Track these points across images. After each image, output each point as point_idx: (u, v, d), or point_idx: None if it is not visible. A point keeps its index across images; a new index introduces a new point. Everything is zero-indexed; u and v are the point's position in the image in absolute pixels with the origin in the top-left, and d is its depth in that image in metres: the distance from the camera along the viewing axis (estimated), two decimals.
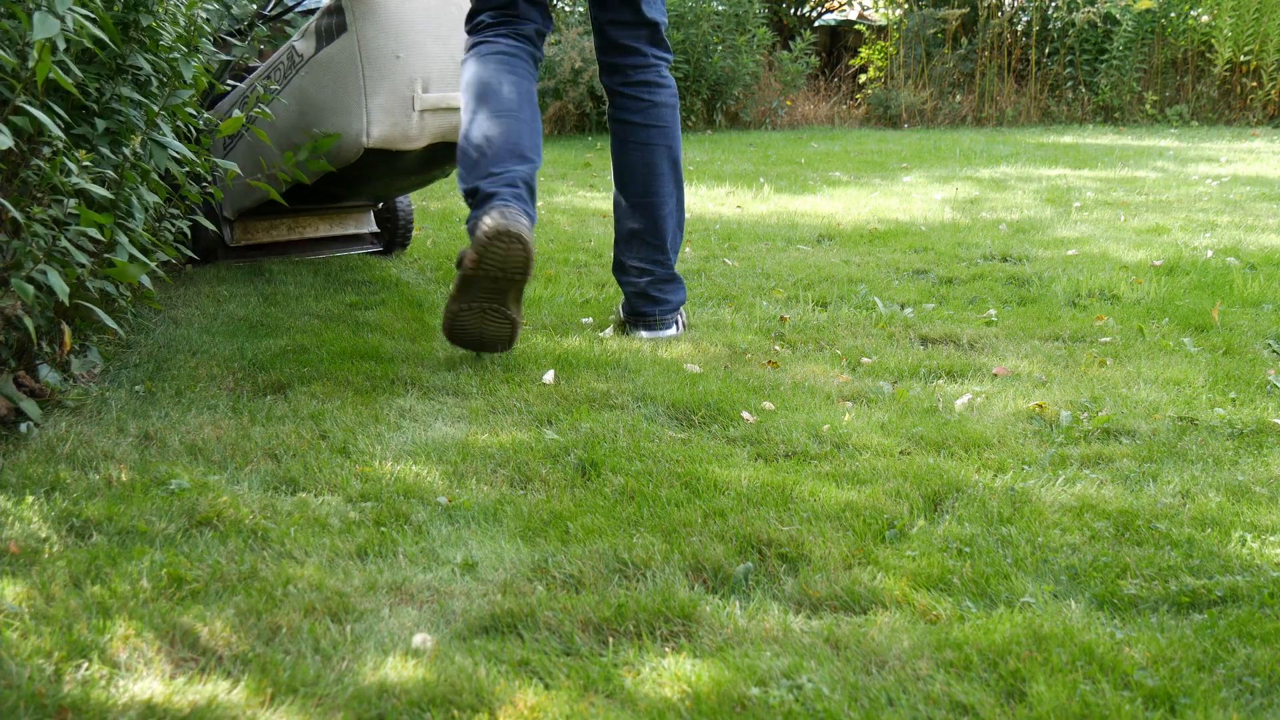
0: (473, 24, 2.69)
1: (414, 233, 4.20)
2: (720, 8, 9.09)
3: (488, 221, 2.36)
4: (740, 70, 9.08)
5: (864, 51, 10.59)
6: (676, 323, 2.84)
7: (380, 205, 3.72)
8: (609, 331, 2.80)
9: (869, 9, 11.12)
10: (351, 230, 3.66)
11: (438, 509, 1.76)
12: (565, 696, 1.27)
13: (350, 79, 2.94)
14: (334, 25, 2.96)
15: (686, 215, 4.45)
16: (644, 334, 2.79)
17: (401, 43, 2.94)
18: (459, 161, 2.57)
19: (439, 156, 3.19)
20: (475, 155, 2.53)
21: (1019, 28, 10.02)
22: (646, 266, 2.80)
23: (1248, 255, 3.65)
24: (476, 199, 2.47)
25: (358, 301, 3.08)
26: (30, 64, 1.80)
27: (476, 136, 2.54)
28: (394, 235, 3.71)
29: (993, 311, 3.00)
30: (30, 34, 1.71)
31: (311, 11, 3.59)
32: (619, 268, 2.85)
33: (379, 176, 3.19)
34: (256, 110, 2.75)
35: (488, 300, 2.42)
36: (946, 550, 1.62)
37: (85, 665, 1.30)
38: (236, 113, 2.76)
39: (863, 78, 10.46)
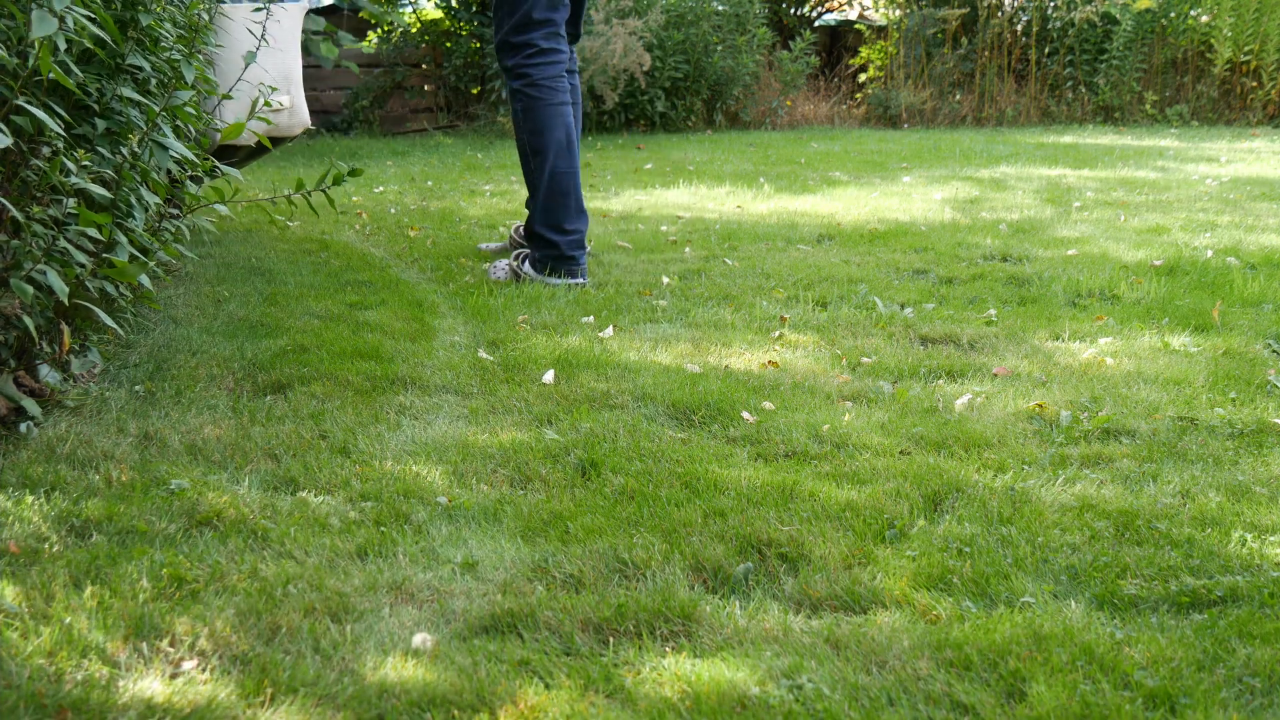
0: (525, 40, 3.28)
1: (413, 233, 4.20)
2: (720, 8, 9.09)
3: (575, 287, 3.30)
4: (740, 70, 9.08)
5: (864, 51, 10.59)
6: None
7: None
8: (609, 331, 2.81)
9: (869, 9, 11.12)
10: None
11: (438, 509, 1.76)
12: (565, 696, 1.27)
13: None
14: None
15: (687, 214, 4.57)
16: (560, 282, 3.41)
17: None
18: (548, 199, 3.32)
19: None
20: (561, 202, 3.32)
21: (1019, 28, 10.02)
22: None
23: (1248, 255, 3.65)
24: (557, 249, 3.32)
25: (358, 301, 3.08)
26: (31, 63, 1.80)
27: (564, 185, 3.34)
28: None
29: (993, 311, 3.00)
30: (29, 33, 1.71)
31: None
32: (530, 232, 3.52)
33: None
34: (259, 115, 2.75)
35: None
36: (946, 550, 1.62)
37: (85, 665, 1.30)
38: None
39: (863, 78, 10.47)
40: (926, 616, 1.45)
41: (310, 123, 3.82)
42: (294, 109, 3.67)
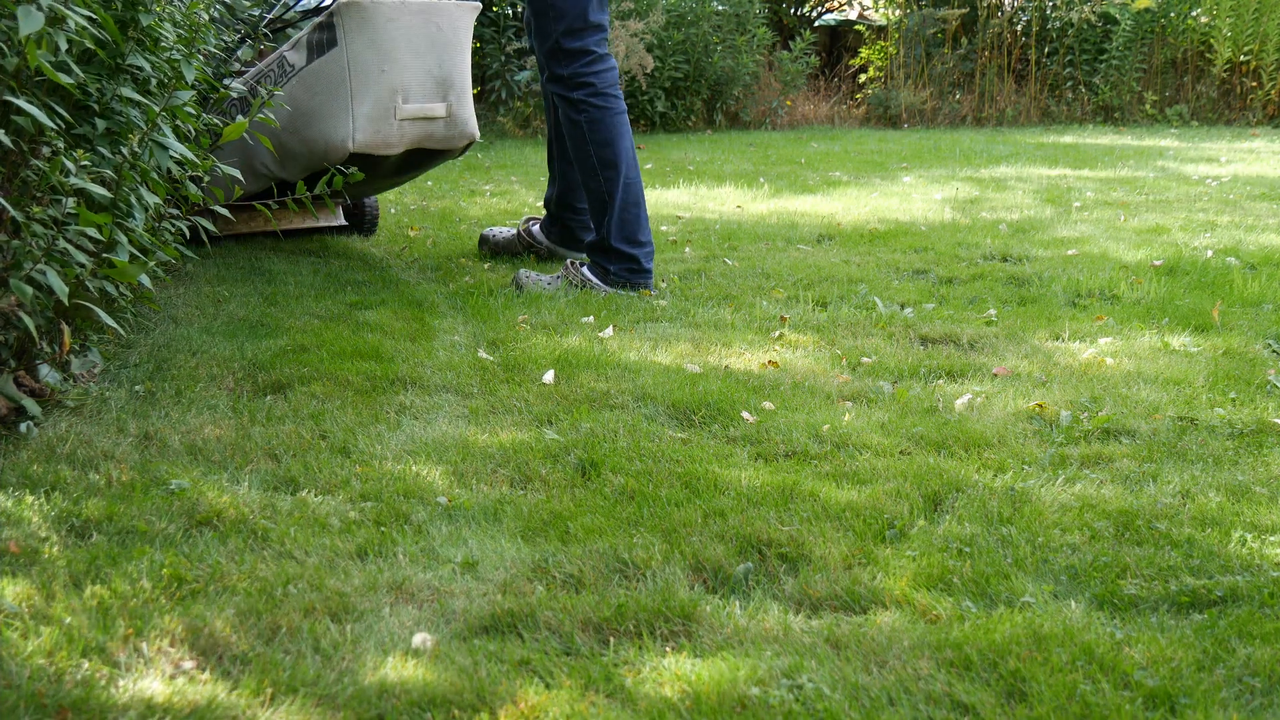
0: (581, 46, 3.19)
1: (413, 233, 4.20)
2: (720, 8, 9.09)
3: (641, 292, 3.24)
4: (740, 70, 9.08)
5: (864, 51, 10.59)
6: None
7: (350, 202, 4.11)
8: (609, 331, 2.81)
9: (869, 9, 11.12)
10: (323, 223, 4.05)
11: (438, 509, 1.76)
12: (565, 696, 1.27)
13: (340, 89, 3.24)
14: (325, 40, 3.25)
15: (687, 214, 4.56)
16: (576, 255, 3.53)
17: (386, 58, 3.24)
18: (623, 211, 3.23)
19: (413, 162, 3.49)
20: (635, 214, 3.25)
21: (1019, 28, 10.02)
22: (585, 206, 3.43)
23: (1248, 255, 3.65)
24: (636, 262, 3.25)
25: (358, 301, 3.08)
26: (31, 64, 1.80)
27: (637, 196, 3.27)
28: (361, 225, 4.12)
29: (993, 311, 3.00)
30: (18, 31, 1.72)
31: (312, 12, 3.83)
32: (567, 208, 3.56)
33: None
34: (260, 116, 2.75)
35: None
36: (946, 550, 1.62)
37: (85, 665, 1.30)
38: (240, 118, 2.78)
39: (863, 78, 10.47)
40: (926, 616, 1.45)
41: (478, 135, 3.49)
42: (452, 119, 3.37)
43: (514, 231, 3.78)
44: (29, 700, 1.22)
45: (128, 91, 2.23)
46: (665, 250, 3.91)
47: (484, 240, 3.81)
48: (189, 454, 1.95)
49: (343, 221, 4.10)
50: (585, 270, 3.28)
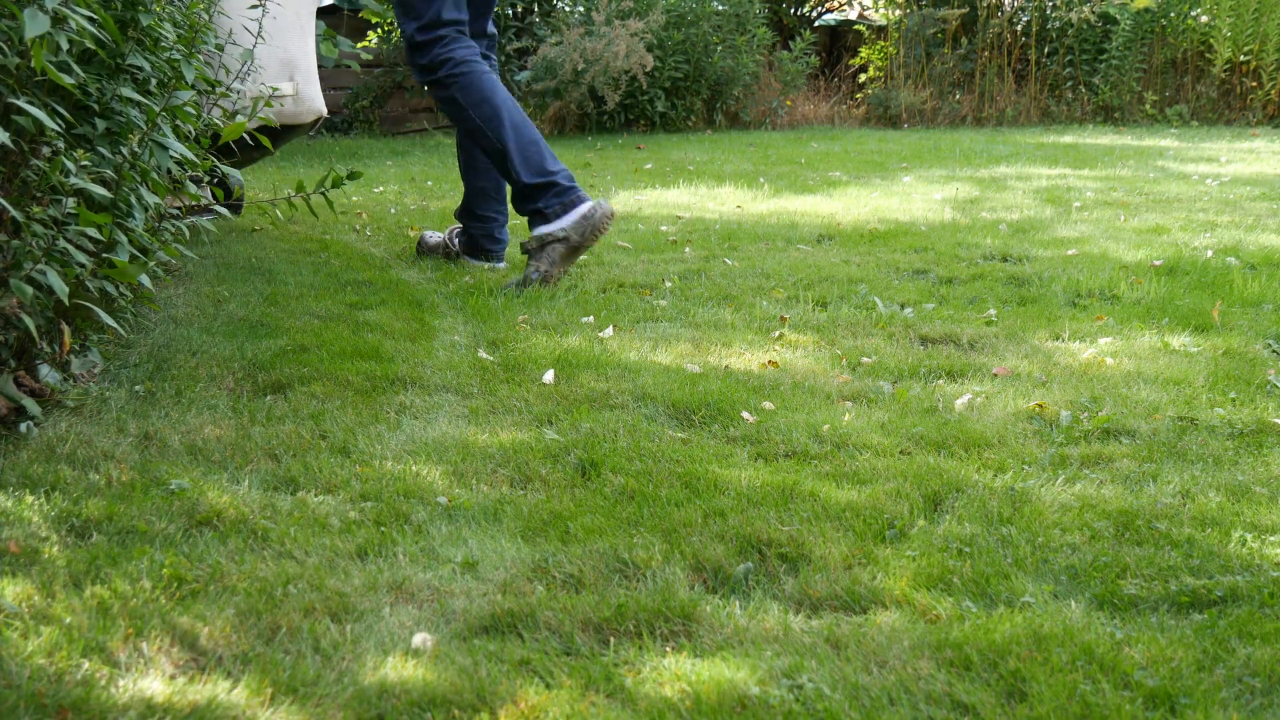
0: (434, 37, 3.26)
1: (413, 233, 4.20)
2: (720, 8, 9.09)
3: (598, 208, 3.22)
4: (740, 70, 9.08)
5: (864, 51, 10.59)
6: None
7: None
8: (609, 331, 2.81)
9: (869, 9, 11.12)
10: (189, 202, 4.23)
11: (438, 509, 1.76)
12: (566, 696, 1.27)
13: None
14: None
15: (687, 214, 4.58)
16: (482, 264, 3.62)
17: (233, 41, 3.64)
18: (521, 151, 3.22)
19: (269, 136, 3.80)
20: (535, 149, 3.23)
21: (1019, 28, 10.02)
22: (493, 215, 3.61)
23: (1248, 255, 3.65)
24: (553, 190, 3.22)
25: (358, 301, 3.08)
26: (33, 64, 1.81)
27: (529, 136, 3.25)
28: (228, 201, 4.35)
29: (993, 311, 3.00)
30: (25, 33, 1.71)
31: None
32: (468, 215, 3.63)
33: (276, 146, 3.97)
34: (260, 116, 2.76)
35: (572, 261, 3.29)
36: (946, 550, 1.62)
37: (85, 665, 1.30)
38: (240, 118, 2.80)
39: (863, 78, 10.47)
40: (927, 616, 1.45)
41: (325, 110, 3.81)
42: (300, 96, 3.69)
43: (443, 237, 3.84)
44: (29, 700, 1.22)
45: (128, 91, 2.23)
46: (665, 250, 3.91)
47: (420, 243, 3.83)
48: (189, 454, 1.95)
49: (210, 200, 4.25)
50: (531, 241, 3.35)
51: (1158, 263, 3.56)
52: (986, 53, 9.95)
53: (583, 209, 3.22)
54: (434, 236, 3.82)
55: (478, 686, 1.28)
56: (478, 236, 3.66)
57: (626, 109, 8.78)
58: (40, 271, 1.89)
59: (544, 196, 3.25)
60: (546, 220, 3.25)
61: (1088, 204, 4.87)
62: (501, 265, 3.65)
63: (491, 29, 3.61)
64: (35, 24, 1.70)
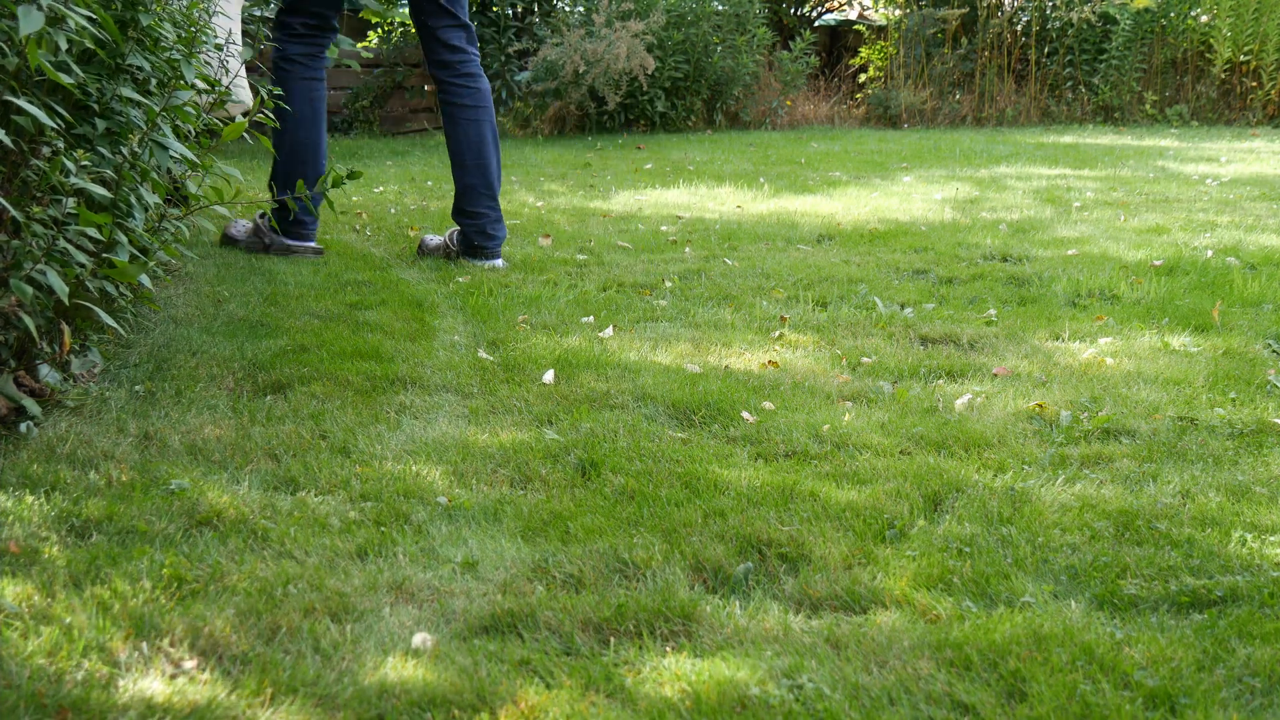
0: (286, 29, 3.56)
1: (413, 233, 4.20)
2: (720, 8, 9.09)
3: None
4: (740, 70, 9.07)
5: (864, 51, 10.59)
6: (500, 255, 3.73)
7: None
8: (609, 331, 2.81)
9: (869, 9, 11.12)
10: None
11: (438, 509, 1.76)
12: (566, 696, 1.27)
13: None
14: None
15: (687, 214, 4.57)
16: (481, 263, 3.64)
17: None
18: (288, 164, 3.57)
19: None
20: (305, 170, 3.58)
21: (1018, 28, 10.02)
22: (483, 211, 3.65)
23: (1248, 255, 3.65)
24: (287, 211, 3.62)
25: (358, 301, 3.08)
26: (32, 64, 1.81)
27: (311, 145, 3.63)
28: None
29: (993, 311, 3.00)
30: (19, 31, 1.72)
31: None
32: (460, 213, 3.69)
33: None
34: (260, 116, 2.75)
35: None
36: (946, 550, 1.62)
37: (85, 665, 1.30)
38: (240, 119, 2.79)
39: (863, 78, 10.47)
40: (927, 616, 1.45)
41: (250, 101, 3.86)
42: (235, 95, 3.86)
43: (443, 239, 3.87)
44: (29, 700, 1.22)
45: (128, 91, 2.23)
46: (665, 250, 3.91)
47: (421, 245, 3.85)
48: (189, 454, 1.95)
49: None
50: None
51: (1158, 263, 3.56)
52: (986, 53, 9.95)
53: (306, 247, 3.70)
54: (434, 239, 3.84)
55: (478, 686, 1.28)
56: (471, 234, 3.68)
57: (626, 109, 8.78)
58: (40, 271, 1.89)
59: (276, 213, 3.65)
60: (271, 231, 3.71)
61: (1088, 204, 4.87)
62: (500, 264, 3.64)
63: (464, 18, 3.69)
64: (29, 21, 1.70)
